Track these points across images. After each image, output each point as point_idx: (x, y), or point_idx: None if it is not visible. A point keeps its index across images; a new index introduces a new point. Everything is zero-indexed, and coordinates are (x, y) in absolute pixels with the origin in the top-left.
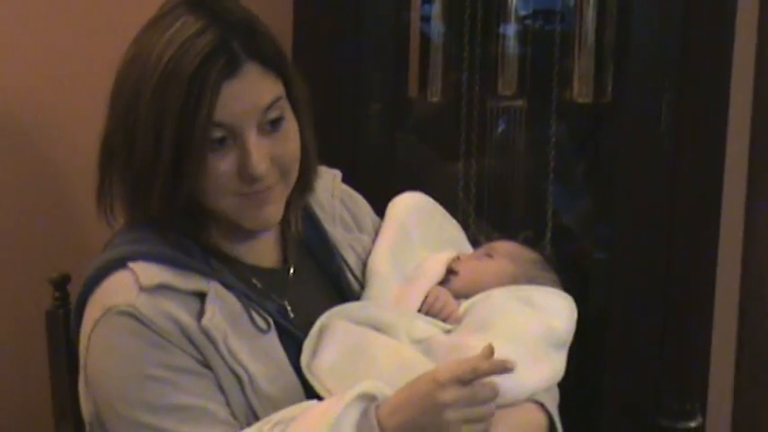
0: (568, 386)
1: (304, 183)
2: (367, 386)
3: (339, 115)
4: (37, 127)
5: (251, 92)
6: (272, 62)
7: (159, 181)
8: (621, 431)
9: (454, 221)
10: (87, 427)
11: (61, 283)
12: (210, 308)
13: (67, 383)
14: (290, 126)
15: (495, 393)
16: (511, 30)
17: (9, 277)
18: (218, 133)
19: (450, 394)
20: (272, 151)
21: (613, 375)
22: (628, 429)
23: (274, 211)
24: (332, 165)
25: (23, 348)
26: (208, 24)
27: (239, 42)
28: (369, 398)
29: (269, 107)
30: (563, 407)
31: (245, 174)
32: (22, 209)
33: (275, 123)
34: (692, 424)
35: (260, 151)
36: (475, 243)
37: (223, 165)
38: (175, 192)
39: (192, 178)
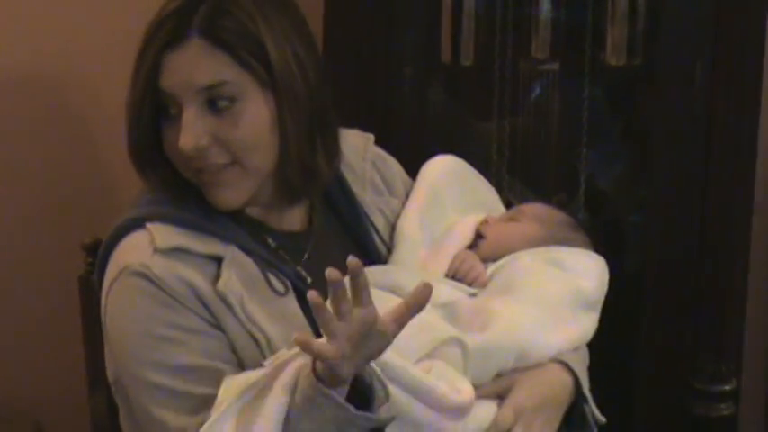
0: (603, 349)
1: (282, 180)
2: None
3: (372, 80)
4: (68, 93)
5: (189, 67)
6: (228, 44)
7: (128, 142)
8: (656, 394)
9: (487, 184)
10: (113, 388)
11: (94, 248)
12: (227, 272)
13: (101, 349)
14: (247, 111)
15: None
16: None
17: (42, 243)
18: (166, 102)
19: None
20: (216, 131)
21: (648, 338)
22: (662, 392)
23: (229, 195)
24: (365, 128)
25: (57, 314)
26: None
27: (201, 15)
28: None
29: (210, 87)
30: (597, 370)
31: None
32: (55, 174)
33: (220, 105)
34: (727, 387)
35: (195, 128)
36: (509, 207)
37: (171, 137)
38: (142, 158)
39: (145, 145)
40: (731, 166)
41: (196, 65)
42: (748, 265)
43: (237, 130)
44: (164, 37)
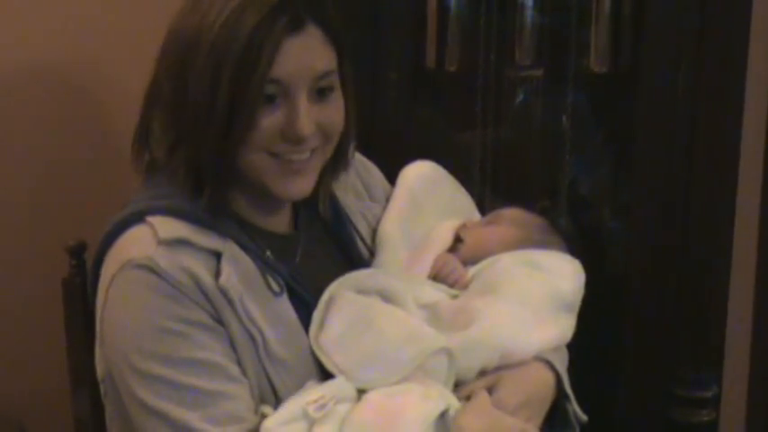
0: (584, 354)
1: (337, 161)
2: (445, 404)
3: (357, 85)
4: (51, 96)
5: (310, 53)
6: (333, 31)
7: (212, 130)
8: (637, 400)
9: (464, 190)
10: (101, 388)
11: (78, 251)
12: (227, 268)
13: (84, 352)
14: (338, 99)
15: None
16: None
17: (26, 246)
18: (270, 89)
19: None
20: (318, 118)
21: (629, 344)
22: (643, 398)
23: (306, 183)
24: None
25: (40, 317)
26: None
27: (304, 3)
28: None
29: (322, 75)
30: (579, 376)
31: (290, 133)
32: (39, 177)
33: (324, 93)
34: (708, 394)
35: (308, 114)
36: (491, 211)
37: (268, 121)
38: (226, 142)
39: (244, 130)
40: (714, 172)
41: (317, 51)
42: (730, 271)
43: (334, 118)
44: (285, 25)
